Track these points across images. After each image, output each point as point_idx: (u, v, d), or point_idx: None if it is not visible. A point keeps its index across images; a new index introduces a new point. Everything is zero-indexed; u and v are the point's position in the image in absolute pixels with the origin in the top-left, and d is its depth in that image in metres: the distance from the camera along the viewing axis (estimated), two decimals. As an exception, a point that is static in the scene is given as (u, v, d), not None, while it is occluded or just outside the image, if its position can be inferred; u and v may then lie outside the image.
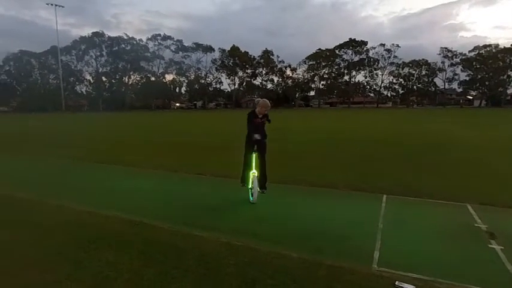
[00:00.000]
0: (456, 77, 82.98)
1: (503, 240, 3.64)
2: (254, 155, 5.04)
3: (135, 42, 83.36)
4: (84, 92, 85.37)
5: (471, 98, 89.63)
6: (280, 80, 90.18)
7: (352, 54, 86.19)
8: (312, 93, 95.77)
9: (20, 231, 4.09)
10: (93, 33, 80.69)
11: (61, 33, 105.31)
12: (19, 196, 5.59)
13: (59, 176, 7.50)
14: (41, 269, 3.08)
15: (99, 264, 3.13)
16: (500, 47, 76.66)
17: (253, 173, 5.00)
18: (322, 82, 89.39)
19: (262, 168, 5.13)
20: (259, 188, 5.09)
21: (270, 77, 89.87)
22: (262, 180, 5.15)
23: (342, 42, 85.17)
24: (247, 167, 5.06)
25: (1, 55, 77.31)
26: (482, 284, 2.78)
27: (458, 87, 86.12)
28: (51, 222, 4.34)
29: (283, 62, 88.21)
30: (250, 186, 5.03)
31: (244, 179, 5.20)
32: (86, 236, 3.80)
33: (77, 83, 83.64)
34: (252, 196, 5.02)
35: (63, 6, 70.45)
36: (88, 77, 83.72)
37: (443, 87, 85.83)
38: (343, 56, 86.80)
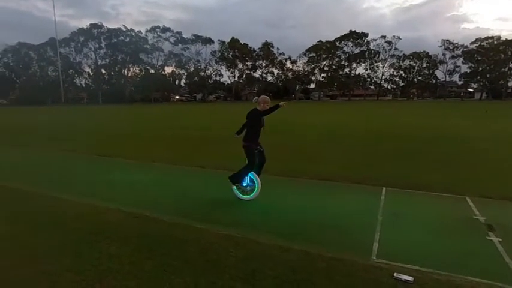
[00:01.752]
0: (457, 69, 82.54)
1: (502, 232, 3.67)
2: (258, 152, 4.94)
3: (134, 34, 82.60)
4: (83, 85, 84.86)
5: (472, 90, 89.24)
6: (280, 72, 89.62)
7: (352, 47, 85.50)
8: (312, 85, 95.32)
9: (20, 223, 4.11)
10: (91, 24, 79.90)
11: (59, 24, 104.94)
12: (19, 188, 5.62)
13: (59, 169, 7.51)
14: (41, 261, 3.10)
15: (100, 256, 3.15)
16: (502, 39, 76.06)
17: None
18: (322, 74, 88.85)
19: (261, 166, 5.07)
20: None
21: (270, 69, 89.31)
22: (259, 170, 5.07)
23: (343, 34, 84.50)
24: (254, 166, 4.86)
25: (-1, 47, 76.67)
26: (480, 276, 2.81)
27: (459, 80, 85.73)
28: (51, 214, 4.37)
29: (284, 55, 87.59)
30: (245, 184, 4.94)
31: (240, 179, 4.90)
32: (86, 229, 3.83)
33: (76, 75, 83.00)
34: (246, 194, 4.91)
35: (60, -3, 69.57)
36: (87, 70, 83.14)
37: (444, 79, 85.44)
38: (344, 48, 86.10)
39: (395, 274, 2.80)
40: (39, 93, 72.55)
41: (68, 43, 79.24)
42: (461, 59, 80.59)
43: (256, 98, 5.09)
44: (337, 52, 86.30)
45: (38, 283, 2.77)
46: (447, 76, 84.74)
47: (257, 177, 4.88)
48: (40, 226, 4.01)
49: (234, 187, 4.97)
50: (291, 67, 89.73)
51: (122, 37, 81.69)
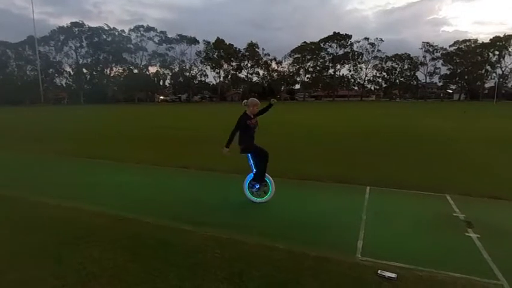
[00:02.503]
0: (437, 71, 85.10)
1: (480, 229, 3.80)
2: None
3: (117, 33, 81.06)
4: (64, 85, 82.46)
5: (451, 91, 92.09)
6: (266, 73, 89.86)
7: (336, 48, 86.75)
8: (298, 86, 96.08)
9: (2, 228, 3.97)
10: (72, 23, 77.86)
11: (38, 22, 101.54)
12: (1, 193, 5.41)
13: (42, 172, 7.29)
14: (25, 266, 3.00)
15: (83, 260, 3.08)
16: (479, 42, 78.92)
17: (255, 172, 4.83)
18: (307, 75, 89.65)
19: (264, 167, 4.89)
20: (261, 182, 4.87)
21: (256, 70, 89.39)
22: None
23: (327, 35, 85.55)
24: (259, 169, 4.77)
25: (-26, 45, 73.60)
26: (460, 271, 2.90)
27: (439, 81, 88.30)
28: (34, 218, 4.23)
29: (269, 55, 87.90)
30: (258, 186, 4.85)
31: (261, 178, 4.81)
32: (70, 232, 3.73)
33: (56, 74, 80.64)
34: (264, 197, 4.82)
35: (39, -5, 67.45)
36: (68, 69, 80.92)
37: (424, 81, 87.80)
38: (328, 50, 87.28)
39: (379, 271, 2.86)
40: (17, 93, 70.09)
41: (47, 42, 76.95)
42: (441, 61, 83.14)
43: (245, 101, 4.79)
44: (322, 53, 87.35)
45: (17, 290, 2.68)
46: (427, 77, 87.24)
47: (270, 178, 4.77)
48: (21, 231, 3.87)
49: (248, 191, 4.86)
50: (276, 68, 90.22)
51: (104, 36, 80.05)
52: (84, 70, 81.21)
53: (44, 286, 2.69)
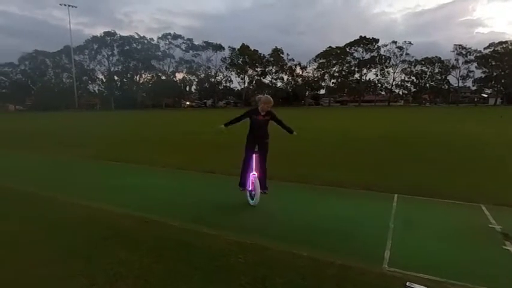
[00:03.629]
0: (470, 74, 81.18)
1: (519, 241, 3.56)
2: (254, 156, 4.83)
3: (146, 42, 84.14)
4: (97, 91, 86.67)
5: (486, 96, 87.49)
6: (290, 78, 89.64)
7: (363, 52, 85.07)
8: (322, 91, 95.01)
9: (33, 226, 4.19)
10: (105, 32, 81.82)
11: (74, 32, 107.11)
12: (32, 192, 5.73)
13: (72, 173, 7.64)
14: (54, 265, 3.14)
15: (110, 260, 3.18)
16: (516, 43, 74.58)
17: (253, 174, 4.83)
18: (332, 80, 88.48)
19: (263, 169, 4.90)
20: (261, 189, 4.79)
21: (280, 75, 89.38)
22: (263, 181, 4.90)
23: (353, 40, 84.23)
24: (247, 168, 4.86)
25: (17, 55, 79.16)
26: (496, 286, 2.72)
27: (473, 85, 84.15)
28: (63, 218, 4.43)
29: (293, 60, 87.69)
30: (250, 188, 4.87)
31: (243, 182, 4.95)
32: (97, 233, 3.87)
33: (89, 81, 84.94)
34: (252, 199, 4.84)
35: (75, 7, 71.50)
36: (100, 76, 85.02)
37: (457, 85, 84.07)
38: (354, 54, 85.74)
39: (407, 283, 2.74)
40: (54, 100, 74.44)
41: (82, 50, 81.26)
42: (475, 64, 79.29)
43: (259, 96, 4.77)
44: (347, 58, 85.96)
45: (50, 286, 2.80)
46: (460, 81, 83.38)
47: (257, 182, 4.72)
48: (52, 230, 4.07)
49: (247, 192, 4.98)
50: (300, 73, 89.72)
51: (134, 44, 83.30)
52: (115, 77, 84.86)
53: (74, 284, 2.80)
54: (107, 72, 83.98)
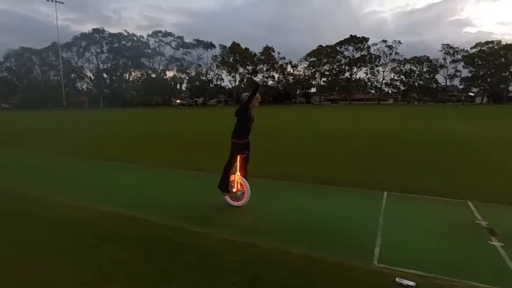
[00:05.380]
0: (458, 73, 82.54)
1: (504, 237, 3.65)
2: (239, 157, 4.71)
3: (135, 39, 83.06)
4: (85, 89, 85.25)
5: (473, 94, 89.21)
6: (281, 76, 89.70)
7: (353, 51, 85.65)
8: (313, 89, 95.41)
9: (21, 226, 4.11)
10: (93, 29, 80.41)
11: (61, 29, 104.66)
12: (22, 192, 5.62)
13: (60, 172, 7.52)
14: (44, 265, 3.10)
15: (101, 260, 3.14)
16: (502, 43, 76.19)
17: (238, 175, 4.73)
18: (323, 79, 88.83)
19: (246, 168, 4.82)
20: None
21: (271, 73, 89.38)
22: (246, 179, 4.78)
23: (344, 38, 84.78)
24: (232, 171, 4.71)
25: (1, 52, 77.27)
26: (482, 281, 2.79)
27: (460, 84, 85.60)
28: (53, 218, 4.36)
29: (284, 59, 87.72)
30: (235, 190, 4.74)
31: (226, 186, 4.75)
32: (87, 233, 3.82)
33: (77, 79, 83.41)
34: (235, 201, 4.76)
35: (63, 3, 69.94)
36: (89, 74, 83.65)
37: (444, 84, 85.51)
38: (345, 53, 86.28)
39: (397, 279, 2.79)
40: (41, 98, 72.96)
41: (70, 48, 79.71)
42: (462, 63, 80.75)
43: (246, 94, 4.66)
44: (338, 56, 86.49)
45: (40, 287, 2.76)
46: (448, 80, 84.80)
47: (246, 181, 4.69)
48: (41, 229, 4.00)
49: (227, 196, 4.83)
50: (291, 71, 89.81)
51: (123, 42, 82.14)
52: (105, 75, 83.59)
53: (64, 284, 2.77)
54: (96, 69, 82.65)
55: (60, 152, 10.18)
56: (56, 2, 67.36)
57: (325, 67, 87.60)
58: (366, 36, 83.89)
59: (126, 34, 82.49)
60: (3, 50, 77.15)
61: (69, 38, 79.53)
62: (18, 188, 5.87)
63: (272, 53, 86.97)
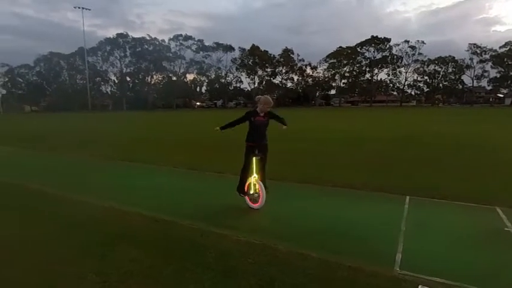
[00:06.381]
0: (485, 74, 79.29)
1: (536, 246, 3.45)
2: (255, 159, 4.71)
3: (157, 43, 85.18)
4: (109, 92, 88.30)
5: (502, 96, 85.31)
6: (300, 78, 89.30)
7: (374, 52, 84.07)
8: (333, 91, 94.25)
9: (46, 226, 4.27)
10: (117, 34, 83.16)
11: (87, 34, 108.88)
12: (45, 191, 5.85)
13: (84, 173, 7.78)
14: (67, 263, 3.21)
15: (122, 259, 3.22)
16: (534, 41, 72.52)
17: (255, 177, 4.74)
18: (343, 80, 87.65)
19: (263, 171, 4.84)
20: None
21: (290, 75, 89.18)
22: (264, 181, 4.80)
23: (364, 39, 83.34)
24: (248, 173, 4.76)
25: (32, 56, 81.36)
26: (512, 291, 2.65)
27: (488, 85, 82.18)
28: (76, 217, 4.51)
29: (303, 61, 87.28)
30: (252, 192, 4.78)
31: (243, 188, 4.84)
32: (109, 232, 3.93)
33: (102, 83, 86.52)
34: (253, 203, 4.76)
35: (89, 9, 72.80)
36: (113, 77, 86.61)
37: (471, 85, 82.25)
38: (365, 54, 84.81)
39: (419, 287, 2.69)
40: (68, 101, 76.17)
41: (95, 52, 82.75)
42: (490, 63, 77.40)
43: (259, 96, 4.70)
44: (358, 58, 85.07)
45: (63, 284, 2.86)
46: (475, 81, 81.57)
47: (261, 184, 4.67)
48: (65, 228, 4.15)
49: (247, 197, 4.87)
50: (311, 73, 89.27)
51: (146, 46, 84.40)
52: (128, 78, 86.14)
53: (87, 282, 2.85)
54: (119, 73, 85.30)
55: (85, 155, 10.54)
56: (82, 8, 70.42)
57: (345, 68, 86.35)
58: (388, 37, 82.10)
59: (148, 38, 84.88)
60: (33, 55, 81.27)
61: (94, 43, 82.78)
62: (44, 188, 6.12)
63: (291, 55, 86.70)
